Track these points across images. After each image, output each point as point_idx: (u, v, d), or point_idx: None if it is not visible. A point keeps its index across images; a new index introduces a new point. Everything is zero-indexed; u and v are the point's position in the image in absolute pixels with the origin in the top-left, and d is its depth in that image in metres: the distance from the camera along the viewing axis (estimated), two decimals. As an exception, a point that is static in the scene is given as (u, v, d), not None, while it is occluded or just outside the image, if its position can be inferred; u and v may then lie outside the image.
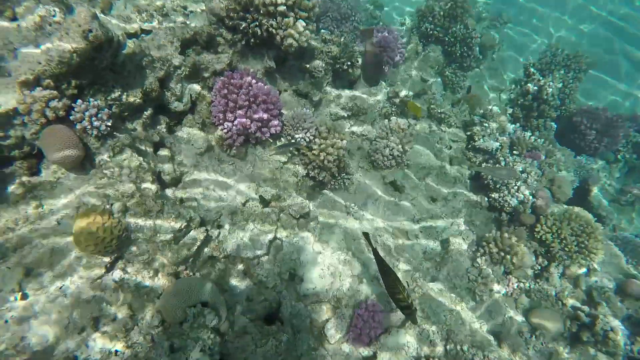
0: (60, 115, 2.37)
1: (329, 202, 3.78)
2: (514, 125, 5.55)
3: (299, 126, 3.49)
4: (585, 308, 3.92)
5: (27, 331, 2.07)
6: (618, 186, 6.38)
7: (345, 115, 4.25)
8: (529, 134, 5.39)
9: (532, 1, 8.80)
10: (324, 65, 3.90)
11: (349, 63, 4.06)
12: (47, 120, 2.31)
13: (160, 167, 2.99)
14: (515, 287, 4.01)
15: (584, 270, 4.24)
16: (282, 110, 3.50)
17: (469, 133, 5.09)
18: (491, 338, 3.53)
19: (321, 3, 5.89)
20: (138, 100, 2.79)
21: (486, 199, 4.58)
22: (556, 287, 4.15)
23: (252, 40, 3.37)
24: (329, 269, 3.38)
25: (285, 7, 3.22)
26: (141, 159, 2.70)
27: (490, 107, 5.29)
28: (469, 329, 3.49)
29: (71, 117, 2.39)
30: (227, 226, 3.13)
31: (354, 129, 4.32)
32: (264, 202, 3.36)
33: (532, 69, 5.87)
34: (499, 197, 4.45)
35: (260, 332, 2.68)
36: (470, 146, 5.01)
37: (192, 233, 2.76)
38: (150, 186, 2.66)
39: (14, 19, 2.70)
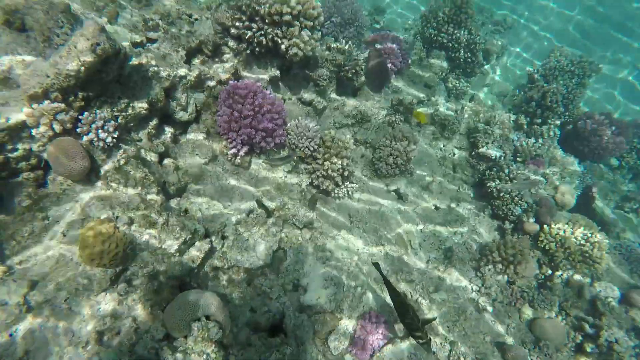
0: (68, 128, 2.38)
1: (332, 211, 3.79)
2: (517, 132, 5.53)
3: (303, 135, 3.50)
4: (590, 318, 3.91)
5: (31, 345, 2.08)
6: (622, 193, 6.36)
7: (349, 123, 4.25)
8: (532, 140, 5.38)
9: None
10: (328, 73, 3.90)
11: (353, 71, 4.06)
12: (54, 133, 2.32)
13: (165, 178, 2.99)
14: (519, 297, 4.01)
15: (588, 279, 4.23)
16: (286, 119, 3.50)
17: (472, 140, 5.08)
18: (494, 349, 3.52)
19: (325, 9, 5.90)
20: (144, 111, 2.80)
21: (490, 207, 4.58)
22: (560, 296, 4.14)
23: (257, 49, 3.38)
24: (332, 279, 3.38)
25: (290, 17, 3.22)
26: (146, 170, 2.70)
27: (493, 114, 5.28)
28: (472, 340, 3.48)
29: (78, 130, 2.39)
30: (231, 237, 3.14)
31: (358, 136, 4.31)
32: (268, 212, 3.36)
33: (536, 76, 5.85)
34: (503, 205, 4.44)
35: (263, 344, 2.69)
36: (473, 153, 5.00)
37: (197, 244, 2.77)
38: (155, 198, 2.67)
39: (22, 29, 2.72)
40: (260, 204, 3.28)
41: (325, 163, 3.54)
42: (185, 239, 2.69)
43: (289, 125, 3.57)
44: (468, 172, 4.88)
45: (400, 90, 4.95)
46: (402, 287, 3.63)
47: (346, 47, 4.16)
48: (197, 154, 3.25)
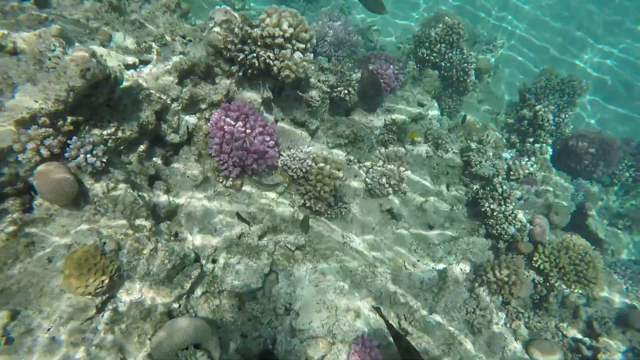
0: (56, 152, 2.35)
1: (325, 232, 3.75)
2: (510, 151, 5.57)
3: (295, 157, 3.49)
4: (587, 340, 3.86)
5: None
6: (615, 210, 6.39)
7: (342, 143, 4.25)
8: (525, 159, 5.41)
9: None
10: (320, 94, 3.92)
11: (345, 92, 4.08)
12: (41, 158, 2.29)
13: (156, 201, 2.96)
14: (514, 318, 3.96)
15: (583, 300, 4.19)
16: (278, 141, 3.50)
17: (465, 159, 5.10)
18: (491, 373, 3.46)
19: (319, 28, 5.98)
20: (134, 135, 2.78)
21: (483, 226, 4.56)
22: (556, 317, 4.11)
23: (249, 71, 3.39)
24: (324, 302, 3.32)
25: (282, 39, 3.25)
26: (136, 193, 2.67)
27: (486, 132, 5.32)
28: (468, 364, 3.42)
29: (66, 154, 2.37)
30: (222, 260, 3.09)
31: (351, 156, 4.31)
32: (260, 234, 3.32)
33: (527, 95, 5.93)
34: (497, 224, 4.42)
35: (254, 372, 2.62)
36: (467, 172, 5.01)
37: (186, 270, 2.72)
38: (144, 222, 2.62)
39: (14, 53, 2.71)
40: (240, 217, 3.23)
41: (318, 184, 3.52)
42: (175, 264, 2.65)
43: (281, 146, 3.56)
44: (462, 190, 4.87)
45: (394, 109, 4.98)
46: (397, 309, 3.58)
47: (339, 67, 4.19)
48: (188, 176, 3.22)
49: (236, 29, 3.16)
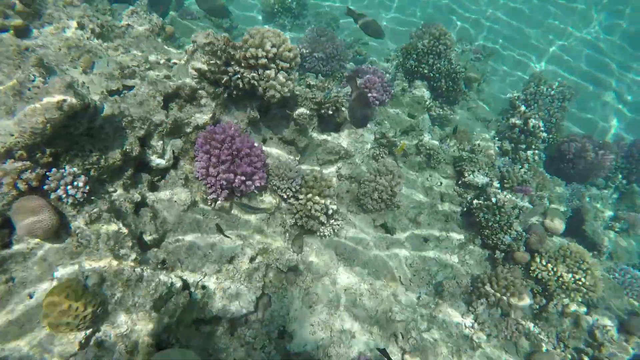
0: (34, 186, 2.30)
1: (318, 251, 3.69)
2: (503, 159, 5.55)
3: (284, 176, 3.44)
4: (589, 350, 3.79)
5: None
6: (611, 213, 6.35)
7: (333, 159, 4.22)
8: (518, 166, 5.39)
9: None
10: (308, 112, 3.90)
11: (334, 108, 4.07)
12: (19, 192, 2.24)
13: (142, 228, 2.90)
14: (514, 330, 3.88)
15: (584, 308, 4.13)
16: (267, 161, 3.46)
17: (458, 169, 5.07)
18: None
19: (307, 43, 6.00)
20: (117, 162, 2.74)
21: (479, 236, 4.51)
22: (557, 327, 4.03)
23: (234, 92, 3.37)
24: (319, 324, 3.25)
25: (266, 60, 3.23)
26: (120, 223, 2.61)
27: (478, 141, 5.30)
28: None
29: (45, 187, 2.32)
30: (212, 286, 3.02)
31: (342, 172, 4.28)
32: (251, 256, 3.25)
33: (517, 102, 5.94)
34: (492, 234, 4.38)
35: (247, 403, 2.53)
36: (460, 182, 4.98)
37: (174, 299, 2.65)
38: (129, 252, 2.56)
39: (-9, 85, 2.67)
40: (219, 229, 3.17)
41: (308, 203, 3.47)
42: (161, 293, 2.58)
43: (269, 166, 3.53)
44: (456, 201, 4.83)
45: (384, 122, 4.96)
46: (394, 327, 3.51)
47: (326, 84, 4.18)
48: (175, 201, 3.17)
49: (219, 52, 3.15)
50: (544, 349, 3.83)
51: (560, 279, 4.06)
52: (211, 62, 3.18)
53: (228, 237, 3.20)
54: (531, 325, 3.98)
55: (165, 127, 3.10)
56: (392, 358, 3.14)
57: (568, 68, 8.72)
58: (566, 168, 6.12)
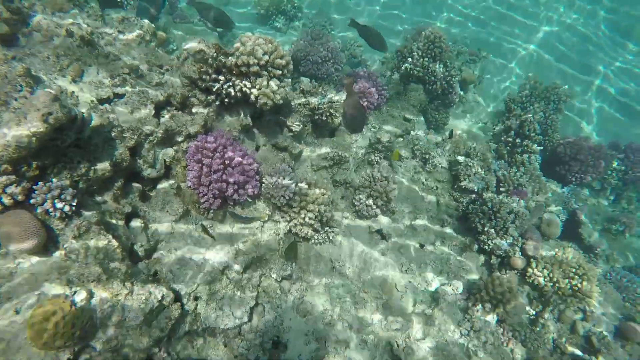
0: (20, 200, 2.25)
1: (313, 258, 3.66)
2: (498, 162, 5.53)
3: (278, 184, 3.41)
4: (586, 357, 3.77)
5: None
6: (608, 215, 6.35)
7: (327, 165, 4.18)
8: (514, 170, 5.37)
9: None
10: (302, 118, 3.86)
11: (327, 113, 4.03)
12: (4, 206, 2.19)
13: (133, 240, 2.86)
14: (510, 337, 3.87)
15: (580, 315, 4.11)
16: (259, 169, 3.42)
17: (454, 173, 5.04)
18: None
19: (301, 47, 5.97)
20: (107, 174, 2.69)
21: (475, 242, 4.49)
22: (553, 333, 4.02)
23: (226, 100, 3.33)
24: (314, 333, 3.22)
25: (258, 67, 3.19)
26: (110, 235, 2.57)
27: (474, 145, 5.28)
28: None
29: (32, 201, 2.27)
30: (204, 297, 2.98)
31: (337, 177, 4.24)
32: (244, 266, 3.22)
33: (512, 105, 5.92)
34: (488, 239, 4.35)
35: (239, 418, 2.50)
36: (456, 186, 4.95)
37: (166, 311, 2.61)
38: (119, 265, 2.52)
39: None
40: (204, 229, 3.13)
41: (302, 211, 3.44)
42: (152, 307, 2.54)
43: (263, 174, 3.49)
44: (452, 206, 4.81)
45: (379, 127, 4.93)
46: (389, 334, 3.48)
47: (320, 89, 4.15)
48: (167, 211, 3.13)
49: (210, 60, 3.11)
50: (540, 355, 3.80)
51: (557, 284, 4.04)
52: (202, 70, 3.14)
53: (212, 236, 3.15)
54: (528, 331, 3.96)
55: (156, 137, 3.06)
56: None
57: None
58: (562, 170, 6.11)
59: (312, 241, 3.70)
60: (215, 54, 3.11)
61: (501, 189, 5.14)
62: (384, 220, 4.24)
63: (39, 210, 2.31)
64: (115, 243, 2.57)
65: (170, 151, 3.21)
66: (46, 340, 2.06)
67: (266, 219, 3.46)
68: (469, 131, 6.20)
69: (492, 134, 6.19)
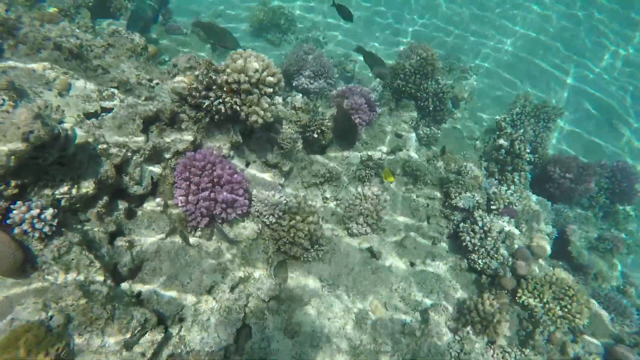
0: (-3, 220, 2.17)
1: (302, 277, 3.59)
2: (489, 180, 5.54)
3: (267, 202, 3.36)
4: (576, 378, 3.74)
5: None
6: (596, 233, 6.39)
7: (318, 182, 4.15)
8: (504, 188, 5.38)
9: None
10: (293, 135, 3.83)
11: (319, 130, 4.01)
12: (-20, 227, 2.11)
13: (117, 259, 2.77)
14: (501, 358, 3.82)
15: (570, 336, 4.09)
16: (248, 187, 3.37)
17: (445, 190, 5.04)
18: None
19: (294, 61, 5.97)
20: (91, 191, 2.62)
21: (465, 260, 4.46)
22: (543, 354, 3.98)
23: (216, 117, 3.29)
24: (301, 356, 3.14)
25: (249, 85, 3.17)
26: (92, 256, 2.49)
27: (465, 163, 5.29)
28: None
29: (9, 221, 2.19)
30: (189, 318, 2.90)
31: (327, 194, 4.21)
32: (231, 286, 3.14)
33: (503, 123, 5.97)
34: (479, 258, 4.33)
35: None
36: (447, 204, 4.94)
37: (148, 337, 2.52)
38: (100, 287, 2.44)
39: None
40: (182, 234, 3.06)
41: (291, 230, 3.39)
42: (134, 331, 2.45)
43: (252, 192, 3.44)
44: (442, 224, 4.79)
45: (370, 143, 4.92)
46: (380, 357, 3.42)
47: (311, 106, 4.13)
48: (153, 229, 3.06)
49: (200, 76, 3.07)
50: (530, 377, 3.77)
51: (547, 305, 4.03)
52: (192, 86, 3.10)
53: (190, 245, 3.08)
54: (518, 352, 3.92)
55: (143, 153, 3.00)
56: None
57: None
58: (551, 188, 6.16)
59: (302, 259, 3.64)
60: (206, 70, 3.07)
61: (492, 207, 5.14)
62: (374, 238, 4.21)
63: (17, 230, 2.23)
64: (97, 264, 2.48)
65: (157, 168, 3.14)
66: (19, 369, 1.96)
67: (255, 237, 3.40)
68: (460, 147, 6.23)
69: (483, 150, 6.23)
